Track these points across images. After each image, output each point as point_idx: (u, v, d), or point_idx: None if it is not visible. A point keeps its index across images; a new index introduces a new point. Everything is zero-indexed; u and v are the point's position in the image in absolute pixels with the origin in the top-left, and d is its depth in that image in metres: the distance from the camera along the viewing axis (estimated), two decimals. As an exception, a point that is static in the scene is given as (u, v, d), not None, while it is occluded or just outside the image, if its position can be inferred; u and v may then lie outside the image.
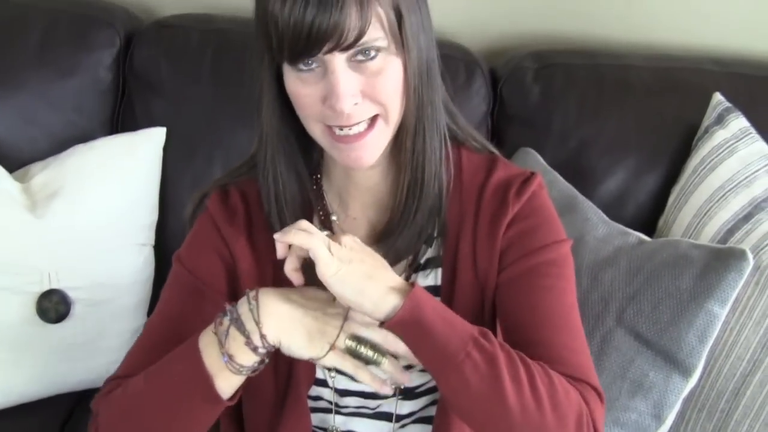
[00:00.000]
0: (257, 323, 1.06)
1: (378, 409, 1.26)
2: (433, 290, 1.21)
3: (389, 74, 1.09)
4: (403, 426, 1.27)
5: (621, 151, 1.71)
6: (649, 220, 1.69)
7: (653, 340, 1.44)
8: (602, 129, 1.72)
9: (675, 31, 1.88)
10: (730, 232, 1.54)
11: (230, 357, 1.06)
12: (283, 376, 1.22)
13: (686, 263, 1.44)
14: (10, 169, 1.71)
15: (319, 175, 1.25)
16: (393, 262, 1.17)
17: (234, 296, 1.20)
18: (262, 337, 1.06)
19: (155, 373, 1.12)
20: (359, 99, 1.09)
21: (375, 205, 1.23)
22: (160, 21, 1.87)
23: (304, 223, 1.07)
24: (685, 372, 1.43)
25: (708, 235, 1.56)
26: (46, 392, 1.68)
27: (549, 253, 1.17)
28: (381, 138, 1.13)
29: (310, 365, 1.21)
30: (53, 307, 1.60)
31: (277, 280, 1.18)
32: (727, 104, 1.64)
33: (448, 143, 1.20)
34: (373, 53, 1.07)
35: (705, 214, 1.57)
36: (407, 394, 1.24)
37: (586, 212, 1.60)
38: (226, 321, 1.07)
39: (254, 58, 1.12)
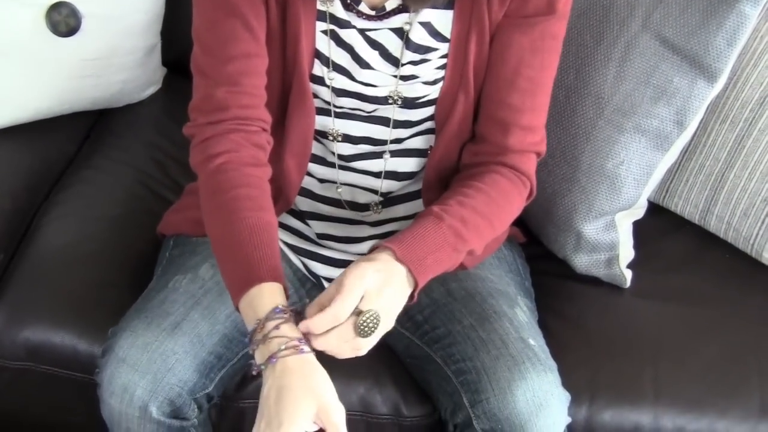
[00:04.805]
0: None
1: (374, 113, 1.25)
2: None
3: None
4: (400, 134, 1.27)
5: None
6: None
7: (679, 44, 1.39)
8: None
9: None
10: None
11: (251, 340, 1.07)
12: (290, 62, 1.21)
13: (719, -35, 1.37)
14: None
15: None
16: None
17: None
18: None
19: (214, 238, 1.15)
20: None
21: None
22: None
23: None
24: (711, 77, 1.39)
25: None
26: (61, 109, 1.67)
27: (556, 24, 1.19)
28: None
29: (310, 45, 1.20)
30: (63, 20, 1.56)
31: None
32: None
33: None
34: None
35: None
36: (407, 103, 1.23)
37: None
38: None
39: None
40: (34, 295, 1.41)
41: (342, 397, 1.30)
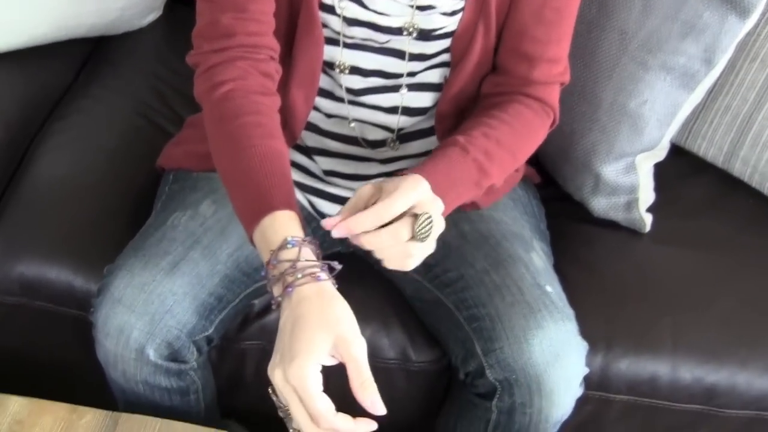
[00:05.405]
0: None
1: (387, 45, 1.18)
2: None
3: None
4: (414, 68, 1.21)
5: None
6: None
7: (711, -24, 1.32)
8: None
9: None
10: None
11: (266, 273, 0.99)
12: None
13: None
14: None
15: None
16: None
17: None
18: None
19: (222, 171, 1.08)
20: None
21: None
22: None
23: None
24: (743, 12, 1.31)
25: None
26: (57, 35, 1.60)
27: None
28: None
29: None
30: (59, -60, 1.49)
31: None
32: None
33: None
34: None
35: None
36: (422, 35, 1.17)
37: None
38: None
39: None
40: (28, 229, 1.36)
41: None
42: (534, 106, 1.18)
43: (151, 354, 1.12)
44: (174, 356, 1.14)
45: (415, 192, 0.99)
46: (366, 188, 1.01)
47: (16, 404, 1.10)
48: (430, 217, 0.98)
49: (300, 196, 1.31)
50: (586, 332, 1.19)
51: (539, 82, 1.18)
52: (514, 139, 1.15)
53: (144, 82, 1.61)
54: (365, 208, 0.98)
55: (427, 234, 0.98)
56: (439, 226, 1.00)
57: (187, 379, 1.18)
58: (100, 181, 1.42)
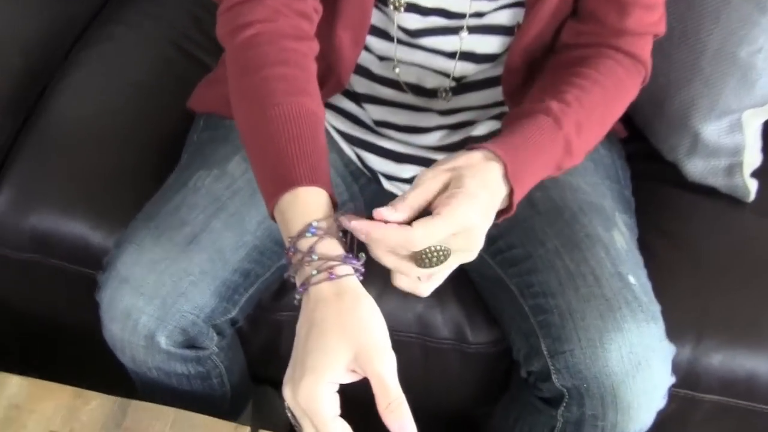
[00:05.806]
0: None
1: None
2: None
3: None
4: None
5: None
6: None
7: None
8: None
9: None
10: None
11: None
12: None
13: None
14: None
15: None
16: None
17: None
18: None
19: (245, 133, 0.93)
20: None
21: None
22: None
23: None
24: None
25: None
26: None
27: None
28: None
29: None
30: None
31: None
32: None
33: None
34: None
35: None
36: None
37: None
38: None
39: None
40: (43, 176, 1.26)
41: (397, 316, 1.17)
42: (625, 62, 1.03)
43: (163, 342, 1.00)
44: (190, 343, 1.03)
45: (464, 221, 0.83)
46: (435, 182, 0.85)
47: (15, 385, 1.01)
48: (446, 252, 0.83)
49: (347, 148, 1.18)
50: (673, 319, 1.05)
51: (632, 32, 1.03)
52: (606, 106, 1.00)
53: (182, 6, 1.49)
54: (430, 203, 0.84)
55: (429, 264, 0.83)
56: (467, 256, 0.86)
57: (208, 364, 1.07)
58: (125, 124, 1.31)
